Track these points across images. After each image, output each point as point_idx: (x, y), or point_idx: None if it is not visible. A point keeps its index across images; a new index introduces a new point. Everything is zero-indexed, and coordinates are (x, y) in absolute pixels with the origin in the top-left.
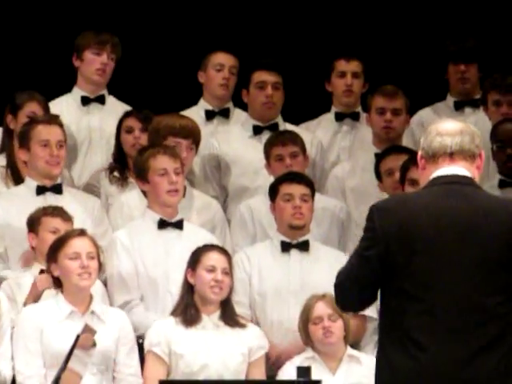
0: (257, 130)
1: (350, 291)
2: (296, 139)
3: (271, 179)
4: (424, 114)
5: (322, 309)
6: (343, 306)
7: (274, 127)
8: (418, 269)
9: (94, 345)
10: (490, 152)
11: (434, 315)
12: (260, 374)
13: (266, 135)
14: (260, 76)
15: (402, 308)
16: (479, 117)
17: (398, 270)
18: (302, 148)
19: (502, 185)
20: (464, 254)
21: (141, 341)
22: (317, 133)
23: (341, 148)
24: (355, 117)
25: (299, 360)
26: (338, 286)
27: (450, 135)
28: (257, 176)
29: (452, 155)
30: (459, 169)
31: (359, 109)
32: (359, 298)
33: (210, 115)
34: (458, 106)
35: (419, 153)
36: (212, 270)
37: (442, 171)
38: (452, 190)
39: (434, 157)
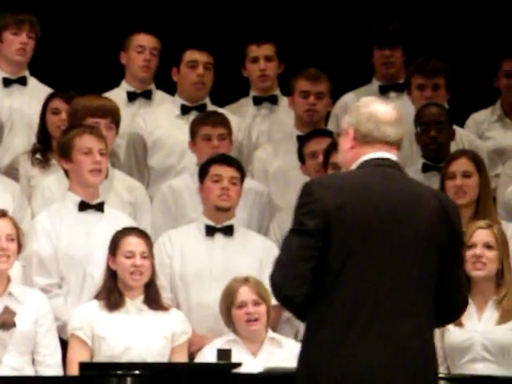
0: (185, 110)
1: (294, 275)
2: (225, 121)
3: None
4: (348, 98)
5: (246, 294)
6: (285, 298)
7: (201, 108)
8: (354, 250)
9: (14, 325)
10: (414, 136)
11: (369, 296)
12: (182, 359)
13: (193, 115)
14: (192, 55)
15: (335, 288)
16: (404, 101)
17: (335, 249)
18: (230, 131)
19: (425, 169)
20: (399, 234)
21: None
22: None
23: (260, 132)
24: (273, 100)
25: (220, 343)
26: (275, 275)
27: (391, 125)
28: (183, 156)
29: (389, 143)
30: (391, 154)
31: (277, 91)
32: (304, 281)
33: (131, 97)
34: (383, 91)
35: (350, 131)
36: (131, 255)
37: (375, 154)
38: (386, 173)
39: (369, 141)
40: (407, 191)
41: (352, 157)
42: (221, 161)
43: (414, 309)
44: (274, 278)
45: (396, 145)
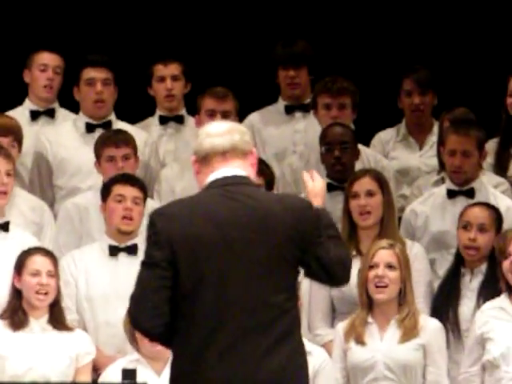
0: (89, 128)
1: (147, 307)
2: (129, 140)
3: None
4: (254, 117)
5: None
6: (144, 330)
7: (107, 125)
8: (205, 274)
9: None
10: (320, 156)
11: (225, 317)
12: (87, 379)
13: (98, 133)
14: (88, 73)
15: (192, 312)
16: (310, 120)
17: (185, 276)
18: (134, 149)
19: (330, 189)
20: (249, 253)
21: None
22: None
23: (166, 151)
24: (179, 120)
25: (123, 362)
26: (131, 310)
27: (220, 135)
28: (89, 175)
29: (225, 155)
30: (234, 169)
31: (183, 111)
32: (159, 312)
33: (34, 115)
34: (289, 110)
35: (193, 157)
36: (36, 273)
37: (217, 173)
38: (230, 192)
39: (206, 159)
40: (252, 207)
41: (201, 181)
42: (123, 180)
43: (274, 325)
44: (130, 313)
45: (233, 154)
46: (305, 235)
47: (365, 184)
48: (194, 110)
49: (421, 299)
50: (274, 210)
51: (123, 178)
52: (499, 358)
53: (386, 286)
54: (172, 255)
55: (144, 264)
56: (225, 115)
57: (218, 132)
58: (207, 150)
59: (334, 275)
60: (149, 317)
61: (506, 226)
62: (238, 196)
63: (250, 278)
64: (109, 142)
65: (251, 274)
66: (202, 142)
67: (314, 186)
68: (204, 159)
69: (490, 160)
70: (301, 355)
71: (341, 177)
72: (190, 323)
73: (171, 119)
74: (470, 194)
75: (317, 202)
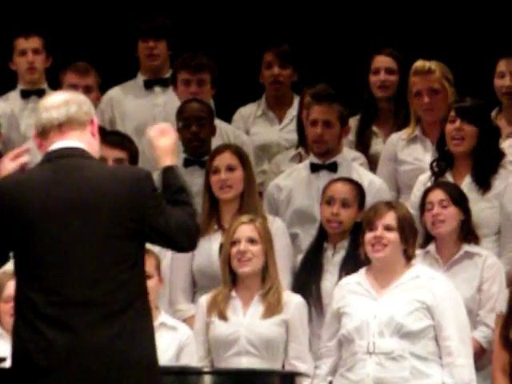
0: (25, 95)
1: None
2: None
3: None
4: (113, 92)
5: (11, 288)
6: None
7: (40, 92)
8: (37, 249)
9: None
10: (177, 131)
11: (60, 290)
12: None
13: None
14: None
15: (29, 286)
16: (169, 96)
17: (19, 251)
18: None
19: (186, 164)
20: (82, 227)
21: None
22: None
23: (27, 125)
24: (41, 94)
25: None
26: None
27: (55, 107)
28: None
29: (61, 127)
30: (70, 141)
31: (45, 85)
32: None
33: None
34: (148, 85)
35: (34, 131)
36: None
37: (54, 146)
38: (62, 165)
39: (44, 132)
40: (82, 180)
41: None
42: None
43: (110, 298)
44: None
45: (69, 126)
46: (139, 206)
47: (225, 159)
48: (56, 85)
49: (283, 274)
50: (105, 182)
51: None
52: (353, 332)
53: (248, 260)
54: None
55: None
56: (87, 90)
57: (54, 104)
58: (44, 123)
59: (175, 243)
60: None
61: (368, 200)
62: (68, 169)
63: (82, 253)
64: None
65: (83, 248)
66: (40, 115)
67: (164, 143)
68: (42, 133)
69: (351, 137)
70: (139, 328)
71: (198, 152)
72: (19, 289)
73: (33, 93)
74: (333, 168)
75: (169, 160)
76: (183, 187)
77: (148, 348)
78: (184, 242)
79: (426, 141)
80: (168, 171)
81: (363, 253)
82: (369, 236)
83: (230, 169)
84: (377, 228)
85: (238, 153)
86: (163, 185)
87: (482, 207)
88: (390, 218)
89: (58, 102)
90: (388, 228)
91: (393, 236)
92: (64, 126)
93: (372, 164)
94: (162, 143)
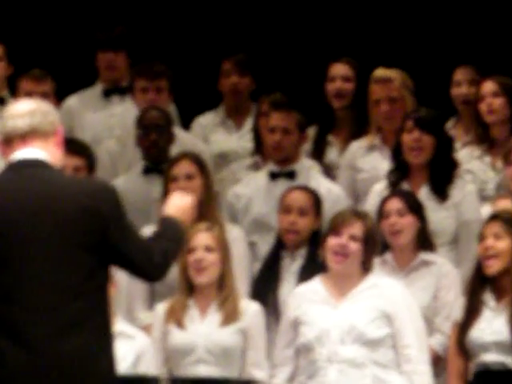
0: None
1: None
2: None
3: None
4: (71, 101)
5: None
6: None
7: (1, 101)
8: None
9: None
10: (136, 139)
11: (19, 299)
12: None
13: None
14: None
15: None
16: (127, 105)
17: None
18: None
19: (146, 171)
20: (44, 238)
21: None
22: None
23: None
24: (1, 102)
25: None
26: None
27: (21, 116)
28: None
29: (24, 137)
30: (33, 150)
31: (5, 93)
32: None
33: None
34: (107, 94)
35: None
36: None
37: (16, 155)
38: (24, 175)
39: (8, 140)
40: (43, 191)
41: (6, 162)
42: None
43: (61, 307)
44: None
45: (32, 136)
46: (100, 219)
47: (184, 167)
48: (13, 93)
49: (241, 282)
50: (66, 193)
51: None
52: (314, 341)
53: (205, 269)
54: None
55: None
56: (43, 97)
57: (20, 113)
58: (9, 131)
59: (137, 269)
60: None
61: (327, 207)
62: (29, 179)
63: (44, 263)
64: None
65: (44, 259)
66: (5, 122)
67: (178, 202)
68: (6, 141)
69: (307, 147)
70: (97, 342)
71: (156, 160)
72: None
73: None
74: (292, 176)
75: (177, 214)
76: (178, 240)
77: (107, 362)
78: (147, 269)
79: (384, 149)
80: (172, 220)
81: (322, 256)
82: (333, 242)
83: (189, 177)
84: (342, 235)
85: (197, 161)
86: (158, 226)
87: (439, 216)
88: (357, 228)
89: (24, 111)
90: (353, 238)
91: (356, 246)
92: (27, 135)
93: (326, 173)
94: (177, 201)
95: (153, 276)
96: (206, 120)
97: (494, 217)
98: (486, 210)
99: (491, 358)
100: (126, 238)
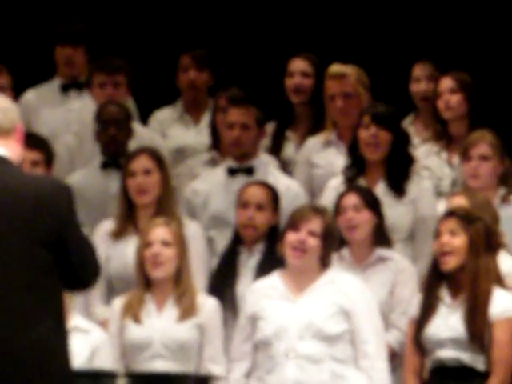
0: None
1: None
2: None
3: None
4: (29, 96)
5: None
6: None
7: None
8: None
9: None
10: (94, 134)
11: None
12: None
13: None
14: None
15: None
16: (84, 100)
17: None
18: None
19: (104, 166)
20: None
21: None
22: None
23: None
24: None
25: None
26: None
27: None
28: None
29: None
30: None
31: None
32: None
33: None
34: (65, 88)
35: None
36: None
37: None
38: None
39: None
40: (2, 186)
41: None
42: None
43: (16, 303)
44: None
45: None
46: (54, 217)
47: (142, 162)
48: None
49: (198, 277)
50: (23, 190)
51: None
52: (272, 336)
53: (162, 263)
54: None
55: None
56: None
57: None
58: None
59: (76, 276)
60: None
61: (285, 203)
62: None
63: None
64: None
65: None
66: None
67: None
68: None
69: (265, 142)
70: (52, 336)
71: (115, 155)
72: None
73: None
74: (250, 171)
75: None
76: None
77: (62, 357)
78: (86, 274)
79: (340, 145)
80: None
81: (281, 252)
82: (291, 237)
83: (147, 172)
84: (300, 231)
85: (155, 156)
86: None
87: (396, 212)
88: (315, 224)
89: None
90: (312, 233)
91: (315, 242)
92: None
93: (283, 168)
94: None
95: (88, 283)
96: (163, 115)
97: (450, 213)
98: (442, 206)
99: (447, 354)
100: (75, 238)
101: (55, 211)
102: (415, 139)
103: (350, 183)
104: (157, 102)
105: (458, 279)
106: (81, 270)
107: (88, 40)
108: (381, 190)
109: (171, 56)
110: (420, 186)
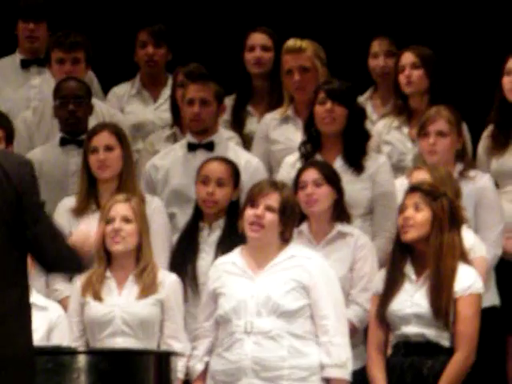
0: None
1: None
2: None
3: None
4: None
5: None
6: None
7: None
8: None
9: None
10: (53, 110)
11: None
12: None
13: None
14: None
15: None
16: (45, 76)
17: None
18: None
19: (63, 142)
20: None
21: None
22: None
23: None
24: None
25: None
26: None
27: None
28: None
29: None
30: None
31: None
32: None
33: None
34: (25, 65)
35: None
36: None
37: None
38: None
39: None
40: None
41: None
42: None
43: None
44: None
45: None
46: (17, 192)
47: (103, 138)
48: None
49: (160, 254)
50: None
51: None
52: (231, 313)
53: (122, 239)
54: None
55: None
56: None
57: None
58: None
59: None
60: None
61: (246, 179)
62: None
63: None
64: None
65: None
66: None
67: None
68: None
69: (226, 117)
70: (15, 322)
71: (74, 131)
72: None
73: None
74: (210, 147)
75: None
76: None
77: (25, 338)
78: (50, 254)
79: (297, 120)
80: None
81: (241, 227)
82: (249, 213)
83: (109, 148)
84: (258, 206)
85: (116, 132)
86: None
87: (354, 187)
88: (273, 199)
89: None
90: (269, 208)
91: (272, 217)
92: None
93: (246, 143)
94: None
95: (54, 265)
96: (121, 90)
97: (414, 188)
98: (403, 181)
99: (411, 330)
100: (37, 216)
101: (15, 187)
102: (373, 115)
103: (306, 159)
104: (116, 78)
105: (422, 255)
106: (49, 251)
107: (50, 15)
108: (338, 166)
109: (130, 31)
110: (377, 161)
